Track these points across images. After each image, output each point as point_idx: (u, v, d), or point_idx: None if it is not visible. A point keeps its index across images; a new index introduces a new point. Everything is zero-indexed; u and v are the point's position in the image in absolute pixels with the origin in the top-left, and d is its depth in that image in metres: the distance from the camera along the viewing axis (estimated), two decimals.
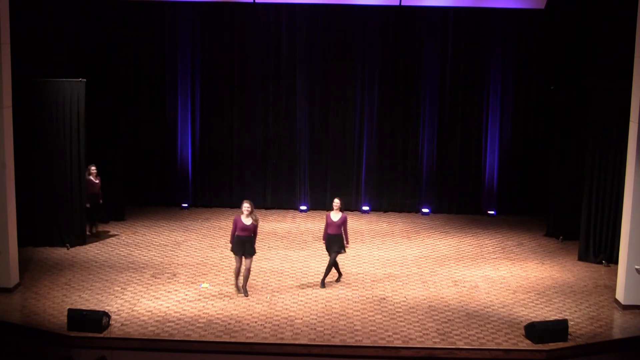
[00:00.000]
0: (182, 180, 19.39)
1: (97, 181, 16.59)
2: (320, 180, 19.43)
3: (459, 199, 19.42)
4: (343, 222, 13.95)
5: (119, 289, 13.72)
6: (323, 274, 14.06)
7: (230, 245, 13.64)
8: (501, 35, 18.85)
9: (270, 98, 19.20)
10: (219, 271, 14.77)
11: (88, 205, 16.32)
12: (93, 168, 16.51)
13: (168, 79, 19.13)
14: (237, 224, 13.40)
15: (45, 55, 16.57)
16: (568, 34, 18.35)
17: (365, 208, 19.40)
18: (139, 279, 14.21)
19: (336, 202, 14.03)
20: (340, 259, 15.65)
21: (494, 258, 15.94)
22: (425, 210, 19.38)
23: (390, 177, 19.44)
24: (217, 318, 12.51)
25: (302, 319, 12.57)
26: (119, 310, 12.67)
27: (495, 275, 14.88)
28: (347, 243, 14.12)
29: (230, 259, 15.43)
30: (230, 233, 13.73)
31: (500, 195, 19.39)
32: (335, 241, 13.92)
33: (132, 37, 18.95)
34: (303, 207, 19.40)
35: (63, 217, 15.97)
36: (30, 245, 15.69)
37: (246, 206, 13.38)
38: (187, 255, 15.69)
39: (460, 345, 11.78)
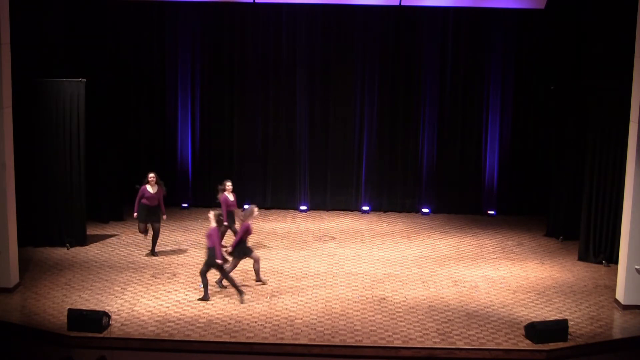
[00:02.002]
0: (182, 180, 19.39)
1: (233, 199, 15.49)
2: (320, 180, 19.43)
3: (459, 199, 19.41)
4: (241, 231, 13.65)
5: (119, 289, 13.72)
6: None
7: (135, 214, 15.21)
8: (501, 36, 18.84)
9: (270, 98, 19.20)
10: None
11: (226, 224, 15.16)
12: (229, 184, 15.46)
13: (168, 79, 19.13)
14: (144, 193, 15.01)
15: (45, 55, 16.57)
16: (568, 34, 18.34)
17: (365, 208, 19.39)
18: (139, 279, 14.21)
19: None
20: (340, 259, 15.69)
21: (494, 258, 15.94)
22: (425, 210, 19.37)
23: (390, 177, 19.43)
24: (217, 318, 12.51)
25: (302, 319, 12.57)
26: (119, 310, 12.67)
27: (495, 275, 14.88)
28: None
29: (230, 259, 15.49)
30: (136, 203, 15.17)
31: (500, 195, 19.38)
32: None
33: (132, 37, 18.96)
34: (303, 207, 19.40)
35: (63, 217, 15.97)
36: (30, 245, 15.68)
37: (151, 176, 15.17)
38: (187, 255, 15.69)
39: (460, 345, 11.79)
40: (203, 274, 13.28)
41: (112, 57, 18.60)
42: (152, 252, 15.61)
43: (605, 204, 15.44)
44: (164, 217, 15.63)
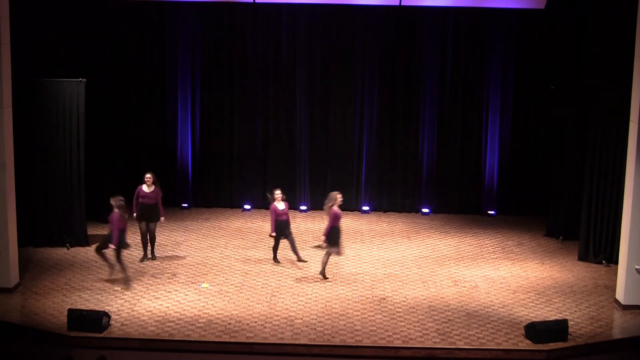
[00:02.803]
0: (182, 180, 19.39)
1: (283, 207, 14.99)
2: (320, 180, 19.41)
3: (459, 199, 19.41)
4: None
5: (119, 289, 13.72)
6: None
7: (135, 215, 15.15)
8: (501, 35, 18.84)
9: (271, 98, 19.20)
10: (219, 271, 14.78)
11: (273, 234, 14.97)
12: (278, 192, 14.99)
13: (168, 79, 19.13)
14: (139, 193, 15.14)
15: (45, 55, 16.57)
16: (568, 34, 18.34)
17: (365, 208, 19.39)
18: (139, 279, 14.20)
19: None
20: (340, 259, 15.67)
21: (494, 258, 15.94)
22: (425, 210, 19.38)
23: (390, 177, 19.43)
24: (217, 318, 12.52)
25: (302, 319, 12.57)
26: (119, 310, 12.67)
27: (495, 275, 14.88)
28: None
29: (230, 259, 15.52)
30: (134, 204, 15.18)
31: (500, 195, 19.38)
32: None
33: (132, 37, 18.95)
34: (303, 207, 19.40)
35: (63, 217, 15.96)
36: (30, 245, 15.68)
37: (148, 176, 15.13)
38: (187, 255, 15.69)
39: (460, 345, 11.79)
40: (118, 259, 13.81)
41: (112, 57, 18.60)
42: (152, 256, 15.35)
43: (605, 204, 15.44)
44: (162, 219, 15.35)
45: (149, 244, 15.36)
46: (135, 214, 15.22)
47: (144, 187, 15.22)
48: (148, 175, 15.23)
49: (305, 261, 15.16)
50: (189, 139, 19.30)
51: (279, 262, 15.24)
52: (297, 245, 15.31)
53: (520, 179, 19.27)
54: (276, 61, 19.10)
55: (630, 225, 13.37)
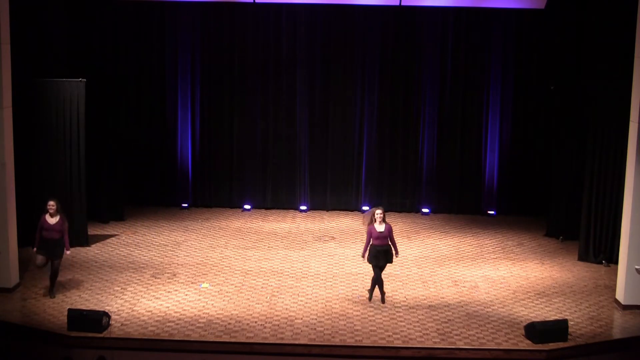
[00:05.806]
0: (182, 180, 19.38)
1: (382, 230, 13.06)
2: (320, 180, 19.42)
3: (459, 199, 19.40)
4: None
5: (119, 289, 13.72)
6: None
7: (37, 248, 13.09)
8: (501, 35, 18.84)
9: (271, 98, 19.19)
10: (219, 271, 14.78)
11: (363, 258, 13.30)
12: (379, 212, 13.10)
13: (168, 79, 19.12)
14: (42, 224, 12.93)
15: (45, 55, 16.57)
16: (568, 34, 18.34)
17: (365, 208, 19.36)
18: (139, 279, 14.21)
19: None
20: (340, 259, 15.70)
21: (494, 258, 15.94)
22: (425, 210, 19.37)
23: (390, 177, 19.43)
24: (217, 318, 12.52)
25: (302, 319, 12.57)
26: (119, 310, 12.68)
27: (495, 275, 14.88)
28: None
29: (230, 258, 15.52)
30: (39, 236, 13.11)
31: (500, 195, 19.37)
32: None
33: (132, 37, 18.95)
34: (303, 207, 19.40)
35: None
36: (30, 245, 15.64)
37: (51, 204, 12.97)
38: (187, 255, 15.69)
39: (460, 345, 11.79)
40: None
41: (112, 57, 18.60)
42: (50, 293, 13.35)
43: (605, 204, 15.44)
44: (68, 252, 13.34)
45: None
46: (35, 248, 13.15)
47: (47, 218, 13.06)
48: (51, 203, 13.05)
49: (383, 303, 13.22)
50: (189, 139, 19.30)
51: (384, 302, 13.31)
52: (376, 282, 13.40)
53: (520, 179, 19.25)
54: (276, 61, 19.10)
55: (630, 225, 13.37)
